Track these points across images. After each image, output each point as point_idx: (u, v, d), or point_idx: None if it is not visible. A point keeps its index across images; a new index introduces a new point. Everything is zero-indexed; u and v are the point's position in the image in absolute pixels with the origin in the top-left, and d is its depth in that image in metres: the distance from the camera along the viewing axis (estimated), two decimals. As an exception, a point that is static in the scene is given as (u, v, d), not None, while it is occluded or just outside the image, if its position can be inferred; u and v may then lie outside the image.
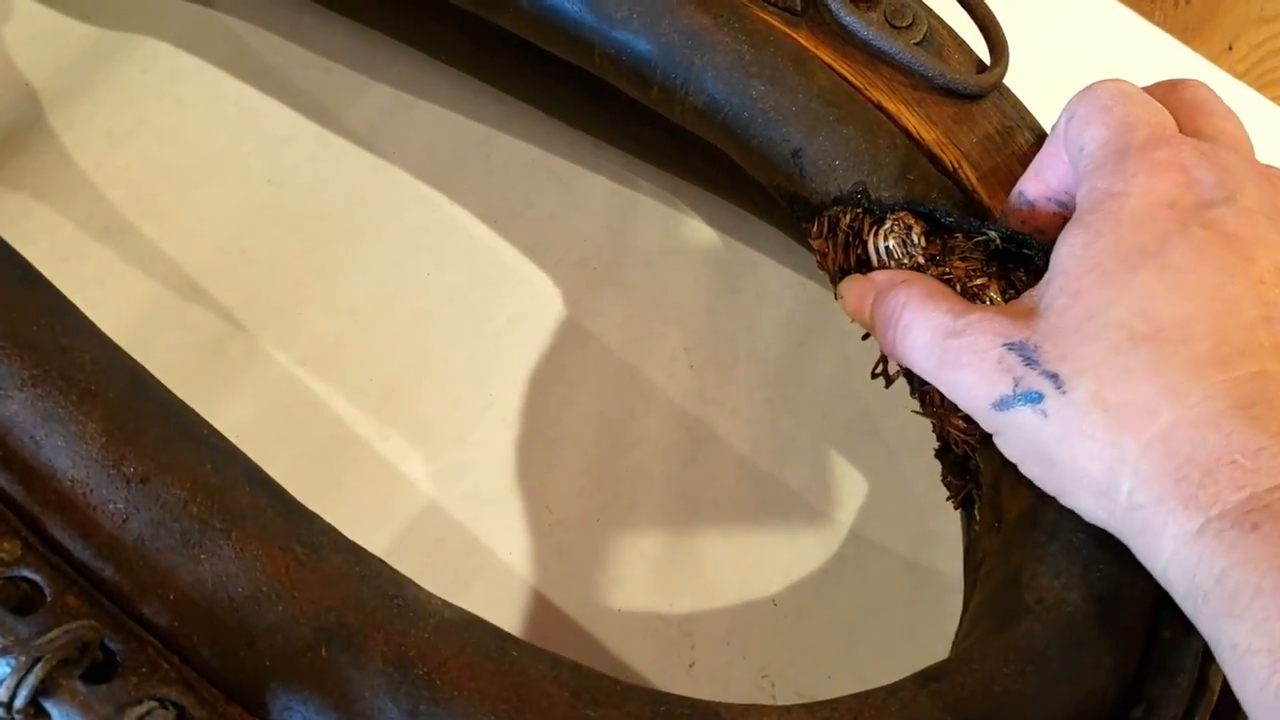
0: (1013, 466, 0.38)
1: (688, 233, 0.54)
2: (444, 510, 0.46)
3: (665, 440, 0.49)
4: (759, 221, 0.54)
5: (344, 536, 0.29)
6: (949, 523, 0.46)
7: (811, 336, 0.53)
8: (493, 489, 0.47)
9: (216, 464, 0.28)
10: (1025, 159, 0.44)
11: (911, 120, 0.43)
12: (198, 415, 0.30)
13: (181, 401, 0.30)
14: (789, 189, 0.42)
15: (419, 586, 0.29)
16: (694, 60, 0.41)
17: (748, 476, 0.50)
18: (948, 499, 0.43)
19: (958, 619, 0.39)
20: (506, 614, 0.44)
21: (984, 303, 0.39)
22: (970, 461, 0.41)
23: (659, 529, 0.48)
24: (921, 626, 0.48)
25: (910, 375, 0.43)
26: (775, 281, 0.54)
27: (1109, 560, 0.34)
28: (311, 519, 0.29)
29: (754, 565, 0.48)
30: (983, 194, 0.43)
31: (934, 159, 0.42)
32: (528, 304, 0.51)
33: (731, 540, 0.48)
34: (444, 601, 0.29)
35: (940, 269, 0.40)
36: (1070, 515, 0.36)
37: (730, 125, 0.41)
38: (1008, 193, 0.43)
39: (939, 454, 0.44)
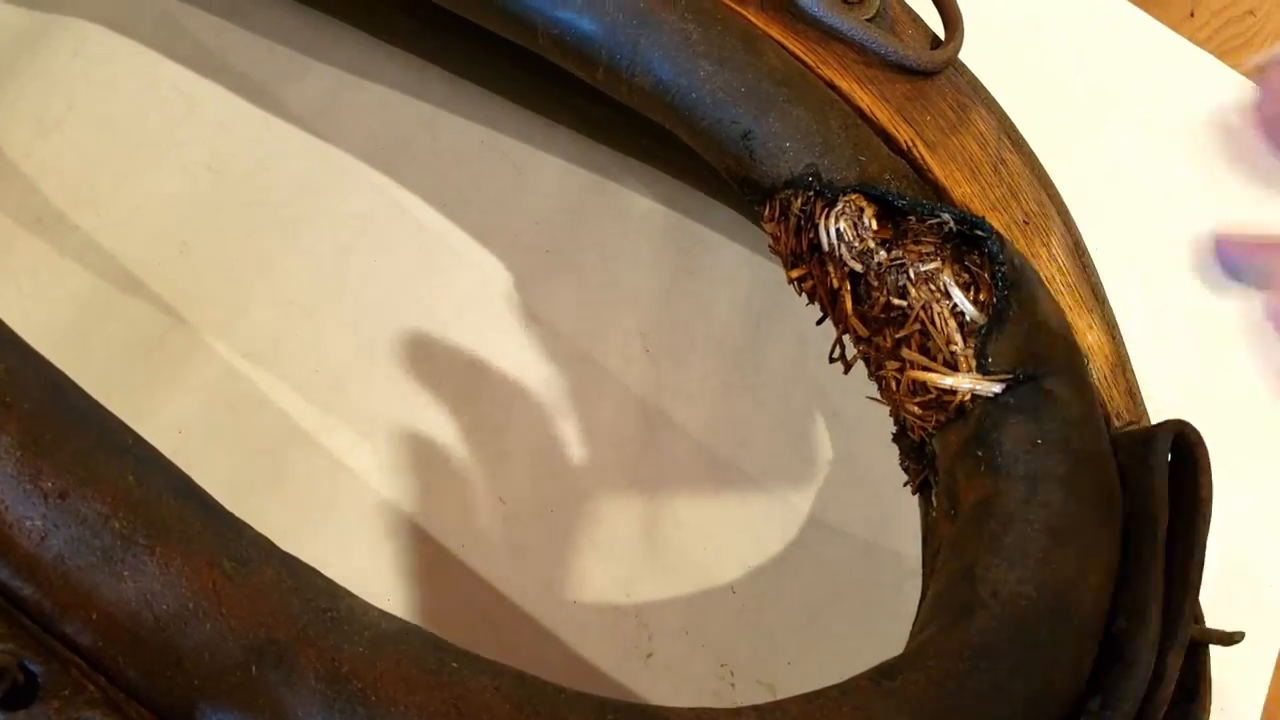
0: (968, 453, 0.38)
1: (642, 214, 0.53)
2: (393, 504, 0.45)
3: (621, 428, 0.49)
4: (714, 202, 0.53)
5: (275, 547, 0.28)
6: (909, 505, 0.45)
7: (768, 319, 0.52)
8: (443, 481, 0.46)
9: (140, 475, 0.27)
10: (980, 137, 0.43)
11: (864, 99, 0.42)
12: (121, 423, 0.29)
13: (104, 409, 0.29)
14: (740, 172, 0.41)
15: (355, 597, 0.28)
16: (639, 40, 0.40)
17: (705, 463, 0.49)
18: (906, 484, 0.43)
19: (918, 603, 0.38)
20: (459, 609, 0.44)
21: (937, 287, 0.38)
22: (926, 447, 0.41)
23: (615, 518, 0.47)
24: (882, 611, 0.48)
25: (868, 359, 0.42)
26: (731, 263, 0.53)
27: (1064, 552, 0.33)
28: (241, 529, 0.28)
29: (712, 553, 0.47)
30: (937, 173, 0.42)
31: (887, 138, 0.41)
32: (478, 290, 0.50)
33: (689, 528, 0.47)
34: (381, 612, 0.28)
35: (892, 252, 0.39)
36: (1025, 505, 0.35)
37: (678, 107, 0.40)
38: (962, 171, 0.42)
39: (896, 438, 0.43)
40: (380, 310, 0.48)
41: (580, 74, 0.42)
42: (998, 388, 0.36)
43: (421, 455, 0.46)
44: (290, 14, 0.52)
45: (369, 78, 0.53)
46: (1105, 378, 0.41)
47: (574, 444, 0.47)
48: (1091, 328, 0.42)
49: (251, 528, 0.29)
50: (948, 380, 0.37)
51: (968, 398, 0.37)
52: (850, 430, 0.51)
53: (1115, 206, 0.57)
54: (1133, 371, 0.42)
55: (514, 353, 0.49)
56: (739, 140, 0.39)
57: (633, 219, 0.52)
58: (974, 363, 0.37)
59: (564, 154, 0.53)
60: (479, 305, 0.50)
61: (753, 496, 0.48)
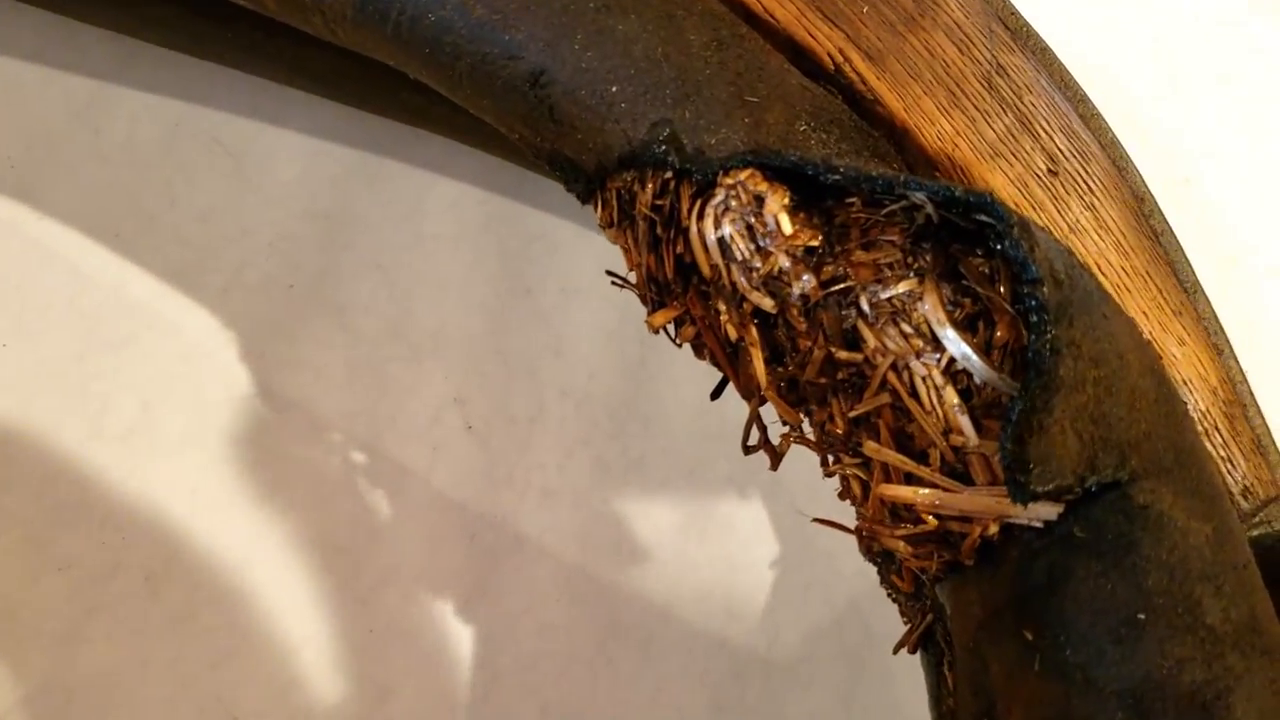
0: (1007, 632, 0.23)
1: (444, 208, 0.40)
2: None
3: (433, 563, 0.34)
4: (546, 180, 0.38)
5: None
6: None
7: (655, 349, 0.38)
8: (135, 697, 0.31)
9: None
10: (956, 29, 0.28)
11: (748, -12, 0.26)
12: None
13: None
14: (541, 143, 0.26)
15: None
16: (313, -73, 0.23)
17: (576, 597, 0.35)
18: (901, 647, 0.27)
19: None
20: None
21: (913, 326, 0.23)
22: (924, 590, 0.25)
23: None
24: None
25: (820, 444, 0.27)
26: (589, 268, 0.39)
27: None
28: None
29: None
30: (890, 105, 0.29)
31: (797, 53, 0.28)
32: (180, 369, 0.35)
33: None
34: None
35: (826, 270, 0.23)
36: None
37: (412, 40, 0.24)
38: (933, 96, 0.27)
39: (872, 561, 0.28)
40: (12, 428, 0.33)
41: (246, 3, 0.25)
42: (1051, 513, 0.22)
43: (96, 664, 0.31)
44: None
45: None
46: (1218, 427, 0.28)
47: (355, 611, 0.34)
48: (1184, 340, 0.27)
49: None
50: (954, 500, 0.21)
51: (994, 531, 0.21)
52: (801, 506, 0.37)
53: (1173, 138, 0.41)
54: (1258, 409, 0.27)
55: (245, 468, 0.34)
56: (526, 88, 0.24)
57: (427, 217, 0.39)
58: (1000, 468, 0.22)
59: (309, 128, 0.39)
60: (180, 395, 0.35)
61: (655, 641, 0.35)
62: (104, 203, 0.37)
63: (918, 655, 0.32)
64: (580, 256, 0.38)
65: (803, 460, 0.35)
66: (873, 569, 0.31)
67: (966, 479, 0.23)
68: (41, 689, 0.31)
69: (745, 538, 0.36)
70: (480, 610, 0.33)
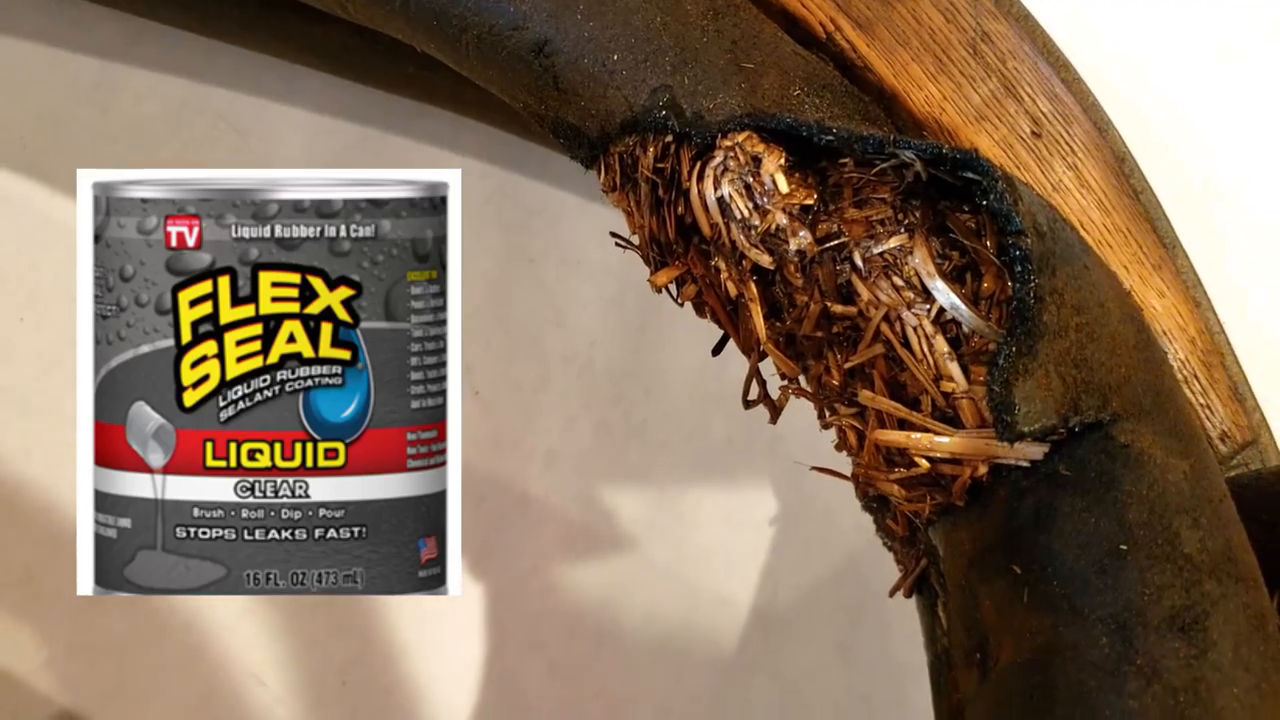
0: (997, 568, 0.24)
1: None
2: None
3: None
4: (549, 151, 0.39)
5: None
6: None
7: (657, 313, 0.40)
8: (155, 659, 0.31)
9: None
10: (944, 4, 0.29)
11: (742, -42, 0.28)
12: None
13: None
14: (546, 111, 0.27)
15: None
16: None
17: (580, 557, 0.36)
18: (896, 590, 0.29)
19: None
20: None
21: (905, 279, 0.24)
22: (919, 535, 0.26)
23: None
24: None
25: (817, 396, 0.28)
26: (590, 238, 0.40)
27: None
28: None
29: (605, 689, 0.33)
30: (880, 71, 0.29)
31: (790, 22, 0.29)
32: None
33: (560, 675, 0.33)
34: None
35: (821, 227, 0.24)
36: (1116, 679, 0.22)
37: (423, 14, 0.26)
38: (921, 63, 0.28)
39: (869, 509, 0.29)
40: (34, 405, 0.34)
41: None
42: (1037, 452, 0.24)
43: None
44: None
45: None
46: (1196, 375, 0.29)
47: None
48: (1163, 293, 0.29)
49: None
50: (945, 443, 0.23)
51: (984, 472, 0.22)
52: (800, 466, 0.37)
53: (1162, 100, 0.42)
54: (1235, 358, 0.28)
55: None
56: (531, 58, 0.26)
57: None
58: (988, 410, 0.24)
59: (314, 105, 0.40)
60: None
61: (662, 603, 0.35)
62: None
63: (914, 605, 0.34)
64: (581, 229, 0.39)
65: (800, 420, 0.36)
66: (870, 525, 0.33)
67: (956, 423, 0.24)
68: (65, 652, 0.32)
69: (745, 497, 0.37)
70: (488, 571, 0.35)
